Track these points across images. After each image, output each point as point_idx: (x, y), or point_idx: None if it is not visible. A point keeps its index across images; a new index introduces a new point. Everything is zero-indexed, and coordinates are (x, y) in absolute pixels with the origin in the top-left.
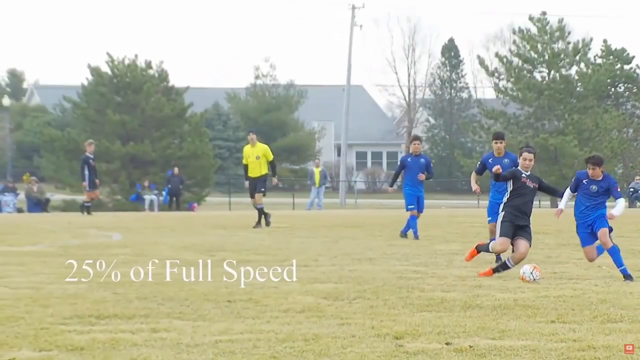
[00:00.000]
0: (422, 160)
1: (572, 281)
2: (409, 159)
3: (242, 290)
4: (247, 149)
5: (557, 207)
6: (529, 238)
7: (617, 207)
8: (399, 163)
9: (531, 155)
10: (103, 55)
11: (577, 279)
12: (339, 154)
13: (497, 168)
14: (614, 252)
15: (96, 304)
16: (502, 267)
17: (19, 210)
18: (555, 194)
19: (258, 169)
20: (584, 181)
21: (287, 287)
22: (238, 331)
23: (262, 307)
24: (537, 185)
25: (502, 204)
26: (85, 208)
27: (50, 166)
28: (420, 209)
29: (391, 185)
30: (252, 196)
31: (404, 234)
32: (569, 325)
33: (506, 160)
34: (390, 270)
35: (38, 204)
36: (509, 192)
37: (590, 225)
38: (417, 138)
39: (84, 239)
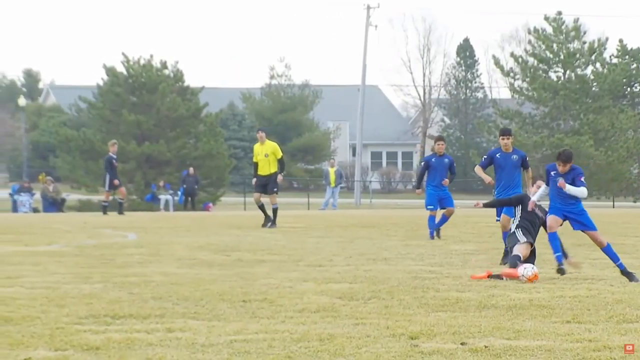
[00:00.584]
0: (446, 160)
1: (588, 281)
2: (433, 159)
3: (257, 290)
4: (256, 147)
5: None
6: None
7: (574, 187)
8: (422, 163)
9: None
10: (118, 55)
11: (593, 279)
12: (354, 154)
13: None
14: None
15: (111, 304)
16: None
17: (35, 210)
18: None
19: (267, 167)
20: (552, 173)
21: (302, 287)
22: (253, 331)
23: (277, 307)
24: (543, 217)
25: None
26: (104, 208)
27: (65, 166)
28: (449, 204)
29: (418, 187)
30: (258, 193)
31: (432, 236)
32: (584, 326)
33: (515, 157)
34: (405, 270)
35: (54, 204)
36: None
37: (563, 214)
38: (441, 138)
39: (99, 239)
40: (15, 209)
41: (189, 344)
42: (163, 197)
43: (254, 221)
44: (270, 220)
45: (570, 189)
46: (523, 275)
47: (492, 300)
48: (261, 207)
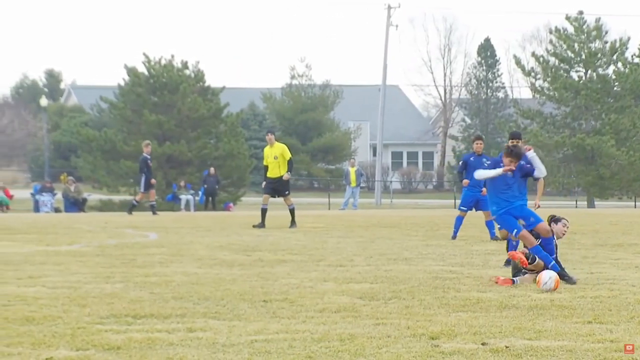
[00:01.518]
0: (484, 159)
1: (609, 282)
2: (471, 158)
3: (278, 290)
4: (266, 150)
5: (593, 207)
6: None
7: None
8: (461, 162)
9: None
10: (140, 55)
11: (614, 279)
12: (374, 154)
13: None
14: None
15: (133, 304)
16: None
17: (57, 210)
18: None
19: (277, 169)
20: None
21: (322, 287)
22: (274, 331)
23: (297, 307)
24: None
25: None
26: (130, 208)
27: (87, 166)
28: (484, 207)
29: (464, 179)
30: (269, 194)
31: (455, 237)
32: (605, 326)
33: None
34: (426, 270)
35: (75, 204)
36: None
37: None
38: (479, 137)
39: (120, 239)
40: (37, 209)
41: (209, 344)
42: (184, 197)
43: (274, 221)
44: (262, 226)
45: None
46: (546, 284)
47: (513, 301)
48: (264, 211)
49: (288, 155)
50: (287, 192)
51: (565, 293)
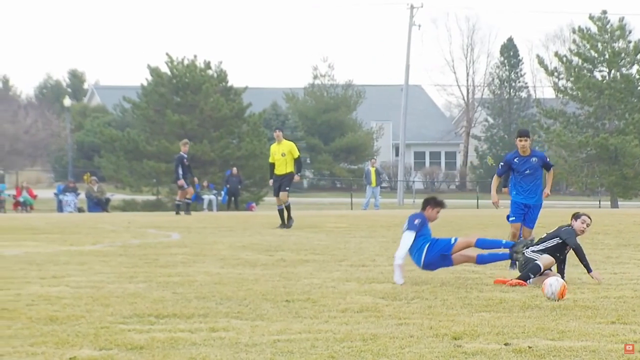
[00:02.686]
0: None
1: (633, 282)
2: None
3: (300, 290)
4: (273, 146)
5: (616, 207)
6: None
7: None
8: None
9: (589, 220)
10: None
11: (638, 279)
12: (397, 154)
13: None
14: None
15: (155, 304)
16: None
17: (80, 210)
18: None
19: (284, 166)
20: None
21: (345, 287)
22: (296, 331)
23: (320, 307)
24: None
25: None
26: (178, 207)
27: (110, 166)
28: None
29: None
30: (277, 195)
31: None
32: (629, 327)
33: (534, 159)
34: (448, 270)
35: (98, 204)
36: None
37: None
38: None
39: (143, 239)
40: (60, 208)
41: (232, 344)
42: (206, 197)
43: (297, 221)
44: (285, 227)
45: None
46: (552, 294)
47: (536, 301)
48: (280, 212)
49: (296, 153)
50: (287, 188)
51: (588, 293)
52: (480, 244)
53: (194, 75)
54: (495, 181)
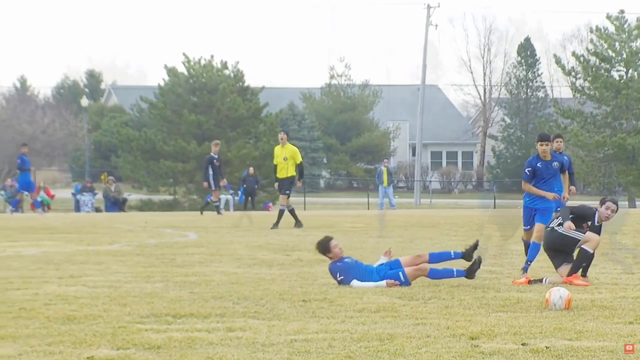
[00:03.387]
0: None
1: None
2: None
3: (317, 290)
4: (277, 149)
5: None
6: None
7: None
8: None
9: (614, 206)
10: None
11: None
12: (413, 154)
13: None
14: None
15: (172, 303)
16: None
17: (97, 210)
18: None
19: (285, 170)
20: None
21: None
22: (313, 331)
23: (337, 307)
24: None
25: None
26: (217, 207)
27: (127, 166)
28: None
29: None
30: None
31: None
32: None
33: (555, 164)
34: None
35: (115, 204)
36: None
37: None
38: (558, 136)
39: (160, 239)
40: (77, 208)
41: (249, 343)
42: (223, 197)
43: (314, 221)
44: (300, 226)
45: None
46: (555, 305)
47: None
48: (292, 212)
49: (299, 159)
50: (287, 192)
51: (606, 293)
52: (432, 258)
53: (211, 75)
54: (528, 186)
